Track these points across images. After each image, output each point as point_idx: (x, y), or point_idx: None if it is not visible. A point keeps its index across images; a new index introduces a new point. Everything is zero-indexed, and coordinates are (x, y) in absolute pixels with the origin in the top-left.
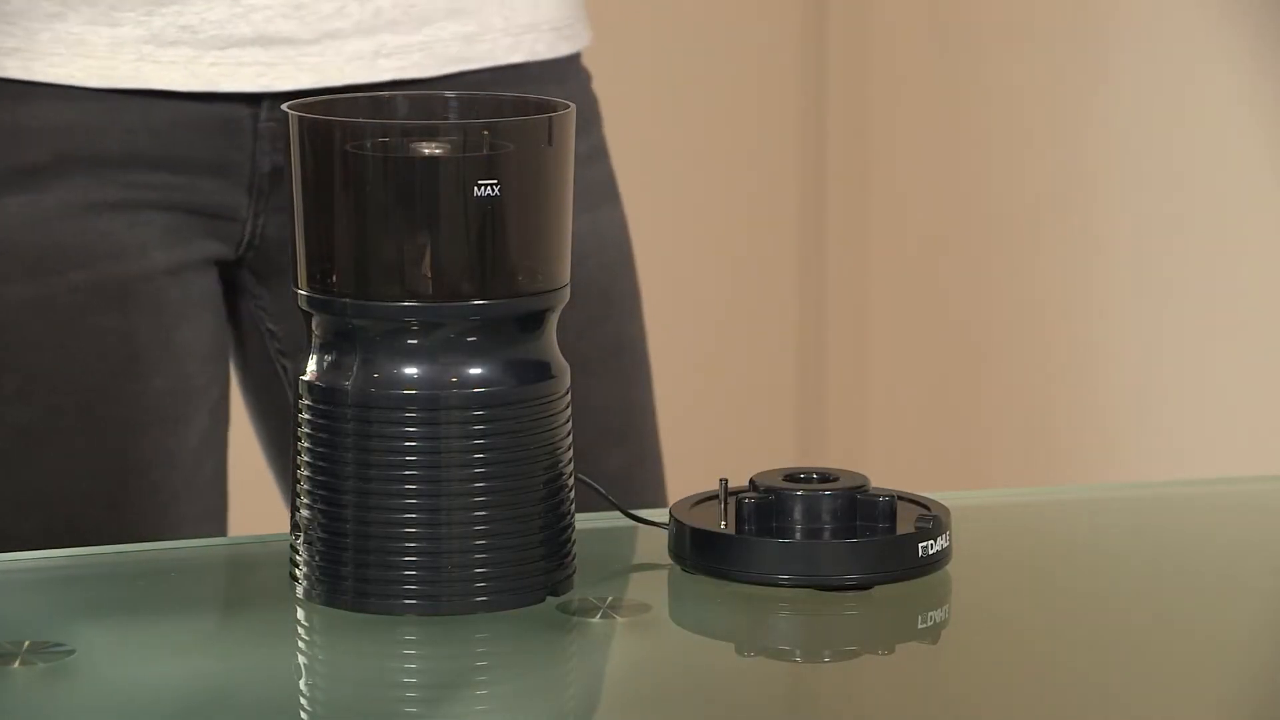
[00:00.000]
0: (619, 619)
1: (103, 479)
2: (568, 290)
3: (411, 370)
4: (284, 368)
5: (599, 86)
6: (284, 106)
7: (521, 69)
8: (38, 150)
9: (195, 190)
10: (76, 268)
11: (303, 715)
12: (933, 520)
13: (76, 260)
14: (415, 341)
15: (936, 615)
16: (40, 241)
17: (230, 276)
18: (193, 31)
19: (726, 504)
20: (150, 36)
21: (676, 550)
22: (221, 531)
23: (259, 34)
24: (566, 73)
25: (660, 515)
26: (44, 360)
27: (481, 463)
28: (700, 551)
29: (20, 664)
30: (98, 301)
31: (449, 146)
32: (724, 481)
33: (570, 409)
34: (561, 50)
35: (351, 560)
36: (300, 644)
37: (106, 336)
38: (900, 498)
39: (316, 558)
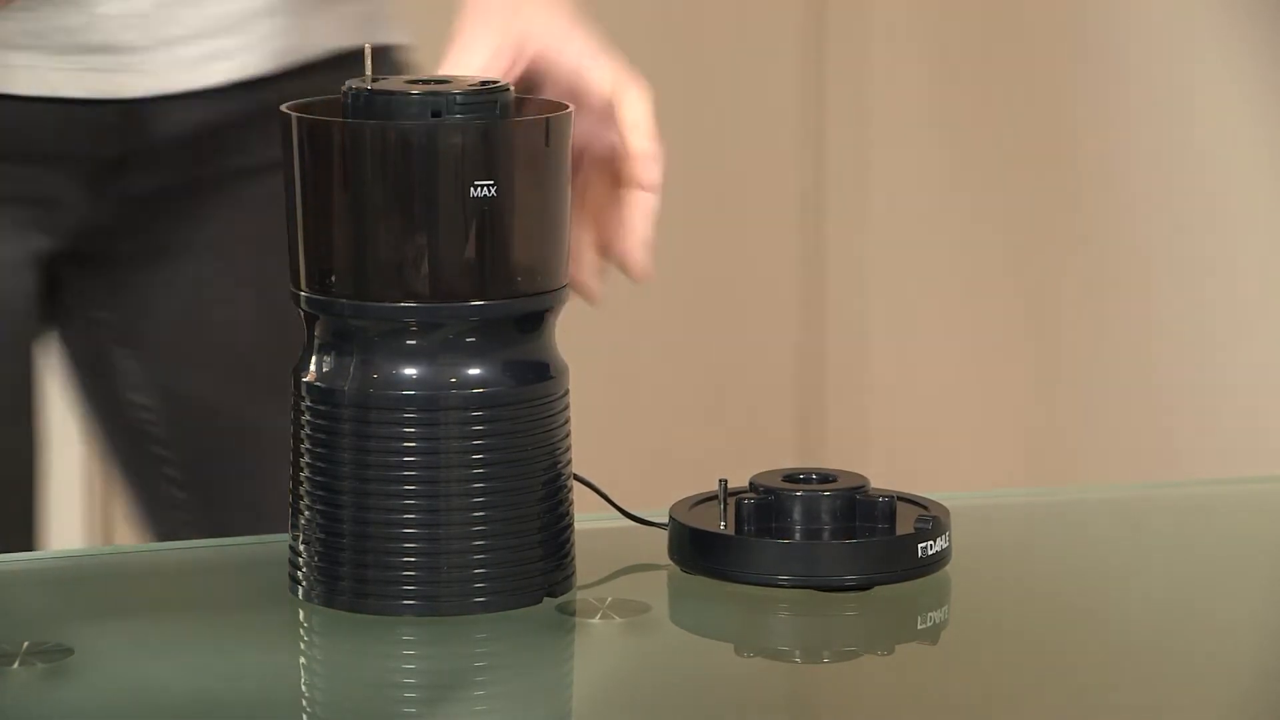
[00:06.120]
0: (618, 620)
1: None
2: (567, 291)
3: (410, 371)
4: (116, 355)
5: None
6: (283, 107)
7: (343, 57)
8: None
9: (27, 180)
10: None
11: (302, 715)
12: (932, 520)
13: None
14: (414, 342)
15: (936, 615)
16: None
17: (50, 272)
18: (40, 37)
19: (726, 505)
20: None
21: (676, 551)
22: (27, 540)
23: (104, 42)
24: (371, 60)
25: (660, 516)
26: None
27: (480, 463)
28: (700, 552)
29: (20, 664)
30: None
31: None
32: (723, 482)
33: (569, 409)
34: (380, 39)
35: (350, 561)
36: (299, 644)
37: None
38: (900, 498)
39: (315, 558)
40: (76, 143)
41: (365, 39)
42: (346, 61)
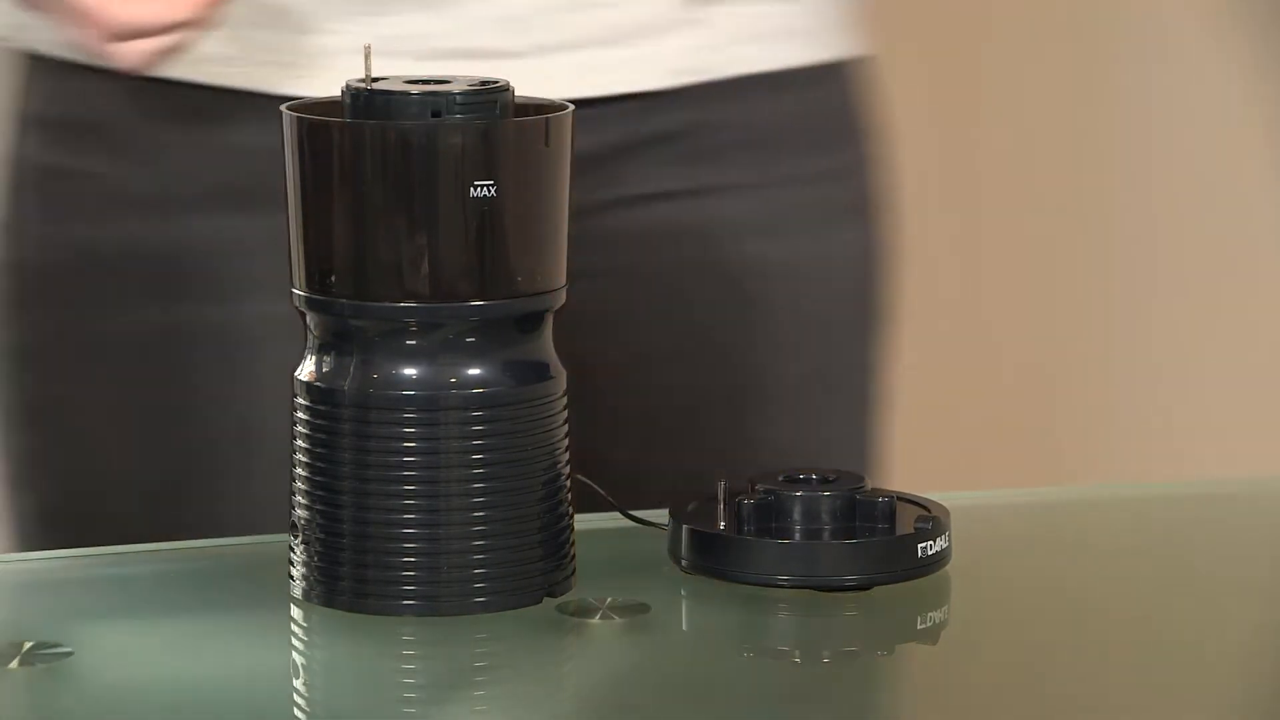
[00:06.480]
0: (618, 620)
1: (238, 517)
2: (566, 292)
3: (410, 371)
4: None
5: None
6: (282, 107)
7: (761, 78)
8: (242, 172)
9: None
10: (272, 298)
11: (301, 716)
12: (932, 520)
13: (272, 290)
14: (414, 342)
15: (936, 616)
16: (239, 266)
17: None
18: (399, 42)
19: (726, 505)
20: (356, 47)
21: (676, 551)
22: None
23: (467, 46)
24: (815, 81)
25: (660, 516)
26: (213, 386)
27: (480, 463)
28: (699, 552)
29: (20, 664)
30: (282, 333)
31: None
32: (723, 482)
33: (568, 410)
34: (811, 58)
35: (349, 561)
36: (298, 645)
37: (280, 370)
38: (900, 498)
39: (314, 558)
40: None
41: (792, 58)
42: (765, 84)
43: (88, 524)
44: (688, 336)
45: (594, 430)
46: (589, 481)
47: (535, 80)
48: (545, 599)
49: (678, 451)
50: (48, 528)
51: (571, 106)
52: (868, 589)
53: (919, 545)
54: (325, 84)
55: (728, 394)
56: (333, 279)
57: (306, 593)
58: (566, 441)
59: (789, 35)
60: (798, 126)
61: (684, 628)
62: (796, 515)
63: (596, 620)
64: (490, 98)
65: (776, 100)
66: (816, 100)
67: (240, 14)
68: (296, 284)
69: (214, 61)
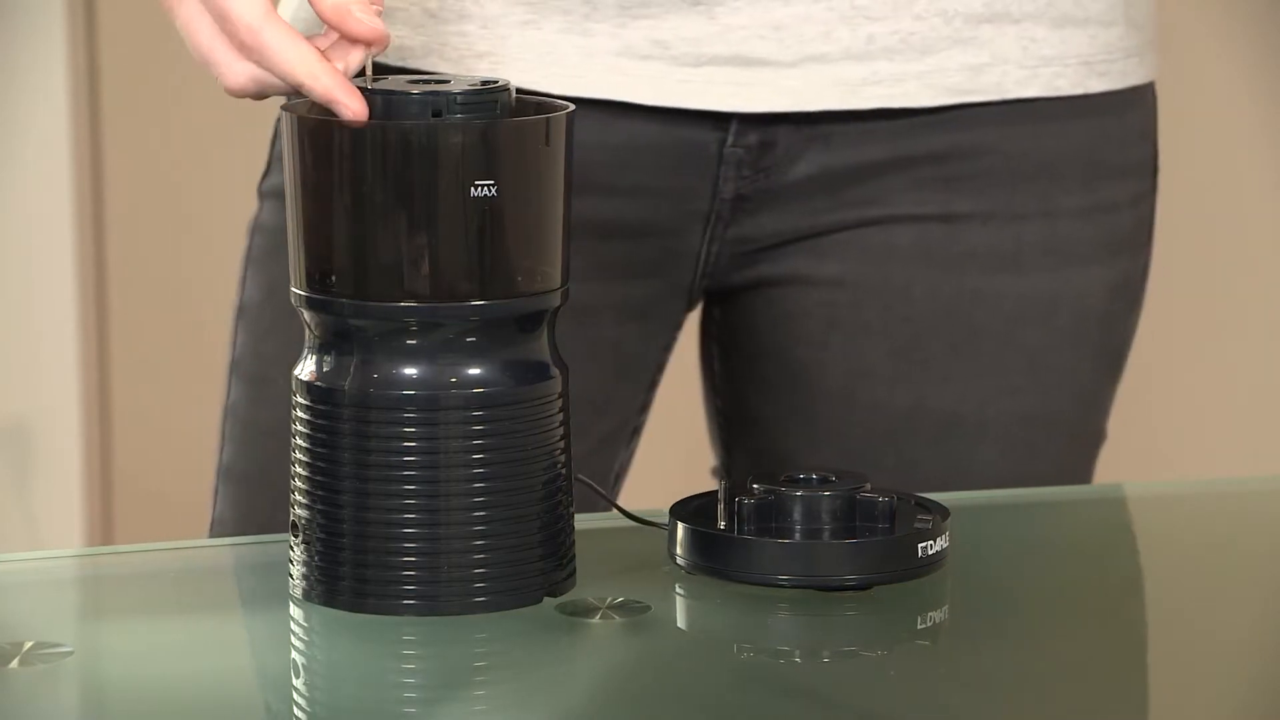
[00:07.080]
0: (618, 620)
1: None
2: (565, 292)
3: (410, 371)
4: (720, 412)
5: None
6: (281, 107)
7: (1034, 104)
8: None
9: (644, 218)
10: None
11: (301, 716)
12: (932, 520)
13: None
14: (414, 342)
15: (936, 615)
16: None
17: (663, 311)
18: (665, 46)
19: (726, 504)
20: (623, 49)
21: (676, 551)
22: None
23: (734, 53)
24: (1094, 110)
25: (660, 516)
26: None
27: (480, 463)
28: (699, 552)
29: (20, 664)
30: None
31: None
32: (724, 482)
33: (567, 409)
34: (1091, 87)
35: (350, 561)
36: (299, 644)
37: None
38: (900, 498)
39: (315, 558)
40: (694, 174)
41: (1065, 86)
42: (1034, 111)
43: (258, 485)
44: (904, 359)
45: (787, 431)
46: (589, 482)
47: (796, 89)
48: (545, 599)
49: (875, 470)
50: (229, 484)
51: (571, 106)
52: (867, 589)
53: (919, 545)
54: (590, 84)
55: (935, 420)
56: (333, 279)
57: (306, 593)
58: (567, 441)
59: (1064, 62)
60: (1065, 157)
61: (684, 628)
62: (796, 515)
63: (596, 620)
64: (490, 98)
65: (1045, 128)
66: (1087, 131)
67: (499, 12)
68: (296, 283)
69: (480, 58)
